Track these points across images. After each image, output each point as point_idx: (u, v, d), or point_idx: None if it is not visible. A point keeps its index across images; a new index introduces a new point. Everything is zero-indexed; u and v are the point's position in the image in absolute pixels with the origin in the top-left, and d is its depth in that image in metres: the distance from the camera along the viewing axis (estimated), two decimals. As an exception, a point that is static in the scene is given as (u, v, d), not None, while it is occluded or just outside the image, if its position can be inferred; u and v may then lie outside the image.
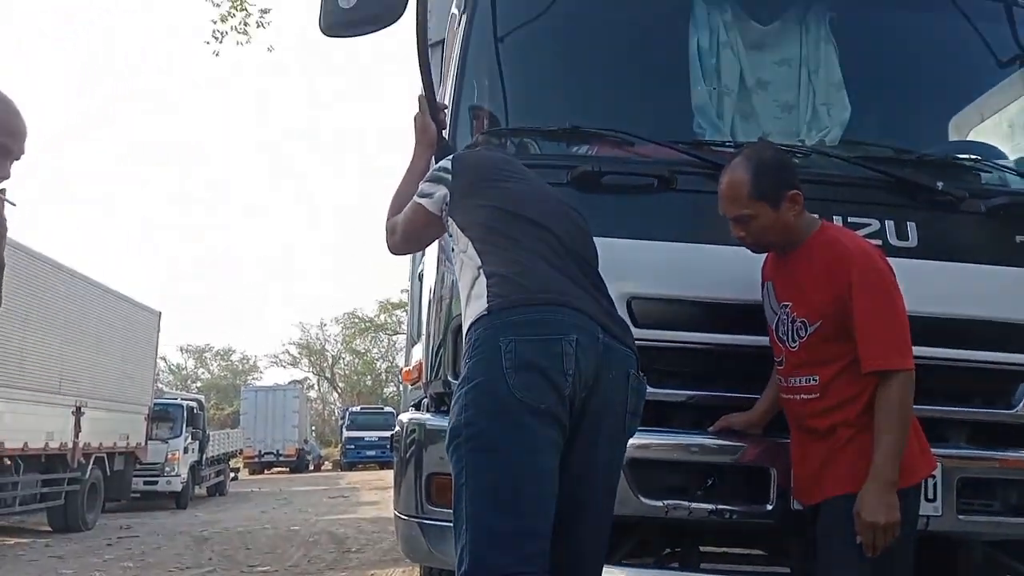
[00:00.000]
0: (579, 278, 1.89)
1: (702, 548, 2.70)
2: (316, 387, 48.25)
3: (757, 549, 2.93)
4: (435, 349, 2.52)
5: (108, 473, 11.43)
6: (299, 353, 47.12)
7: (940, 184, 2.52)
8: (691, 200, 2.51)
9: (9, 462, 8.91)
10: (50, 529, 10.14)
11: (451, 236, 2.03)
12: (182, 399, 16.30)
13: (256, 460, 27.06)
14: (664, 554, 3.02)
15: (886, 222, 2.52)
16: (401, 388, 5.46)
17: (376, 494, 15.63)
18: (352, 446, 28.19)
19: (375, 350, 46.67)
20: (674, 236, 2.48)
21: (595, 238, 2.09)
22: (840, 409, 2.10)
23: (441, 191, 2.04)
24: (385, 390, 45.33)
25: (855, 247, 2.15)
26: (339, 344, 47.12)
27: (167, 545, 8.63)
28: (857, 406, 2.08)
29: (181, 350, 49.60)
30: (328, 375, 48.42)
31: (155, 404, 13.65)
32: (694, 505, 2.35)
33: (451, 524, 2.24)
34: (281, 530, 9.68)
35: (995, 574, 2.57)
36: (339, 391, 48.53)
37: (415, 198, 2.11)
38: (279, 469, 28.00)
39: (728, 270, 2.45)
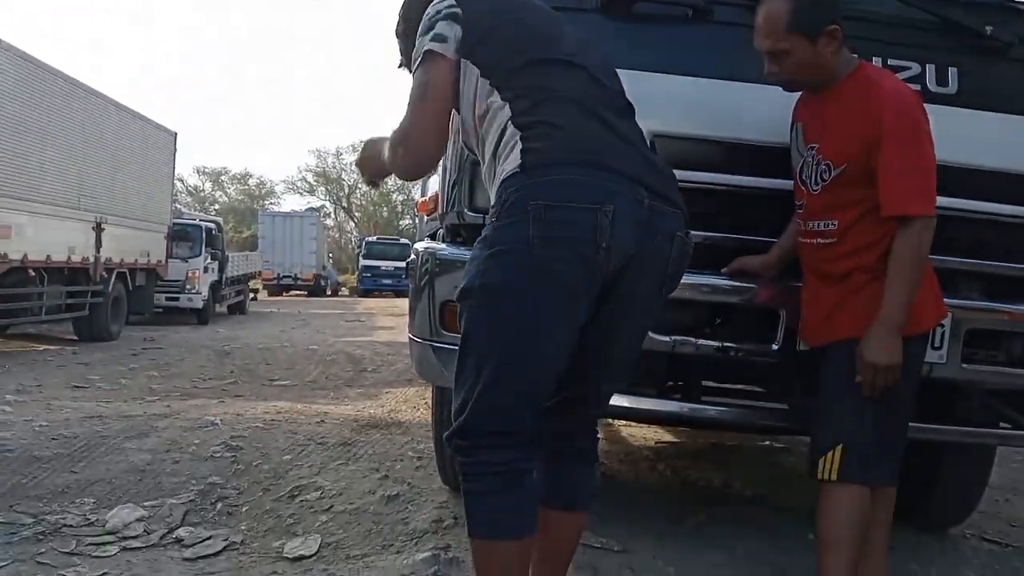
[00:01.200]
0: (617, 125, 1.69)
1: (704, 383, 2.80)
2: (333, 215, 48.63)
3: (757, 387, 3.04)
4: (451, 182, 2.50)
5: (131, 288, 11.86)
6: (316, 181, 47.15)
7: (989, 28, 2.40)
8: (727, 34, 2.39)
9: (33, 273, 9.32)
10: (76, 338, 10.60)
11: (466, 83, 1.73)
12: (200, 220, 16.53)
13: (274, 283, 27.77)
14: (667, 386, 3.14)
15: (927, 66, 2.42)
16: (416, 220, 5.48)
17: (391, 320, 16.11)
18: (368, 274, 28.81)
19: (391, 182, 46.48)
20: (706, 72, 2.38)
21: (619, 71, 1.92)
22: (857, 255, 2.09)
23: (455, 30, 1.69)
24: (401, 222, 45.68)
25: (891, 89, 2.06)
26: (355, 174, 46.96)
27: (190, 357, 9.01)
28: (875, 252, 2.07)
29: (198, 172, 49.76)
30: (344, 204, 48.65)
31: (174, 224, 13.88)
32: (701, 342, 2.41)
33: (461, 347, 2.33)
34: (300, 349, 10.05)
35: (990, 420, 2.65)
36: (355, 221, 48.94)
37: (423, 48, 1.70)
38: (297, 292, 28.76)
39: (757, 110, 2.37)
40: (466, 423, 1.59)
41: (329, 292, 30.52)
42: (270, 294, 27.33)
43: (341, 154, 46.31)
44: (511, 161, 1.60)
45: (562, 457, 1.85)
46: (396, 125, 1.77)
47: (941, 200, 2.36)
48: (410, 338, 2.60)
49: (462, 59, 1.71)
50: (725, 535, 2.96)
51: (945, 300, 2.41)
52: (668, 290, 1.74)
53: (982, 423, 2.67)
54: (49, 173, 9.58)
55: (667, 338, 2.40)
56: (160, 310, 13.76)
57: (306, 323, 15.32)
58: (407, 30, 1.93)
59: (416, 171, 1.89)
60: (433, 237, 2.82)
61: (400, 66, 2.07)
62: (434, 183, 2.91)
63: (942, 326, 2.38)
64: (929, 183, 2.02)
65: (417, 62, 1.72)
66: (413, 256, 2.68)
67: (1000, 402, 2.64)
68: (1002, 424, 2.68)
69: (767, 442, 4.88)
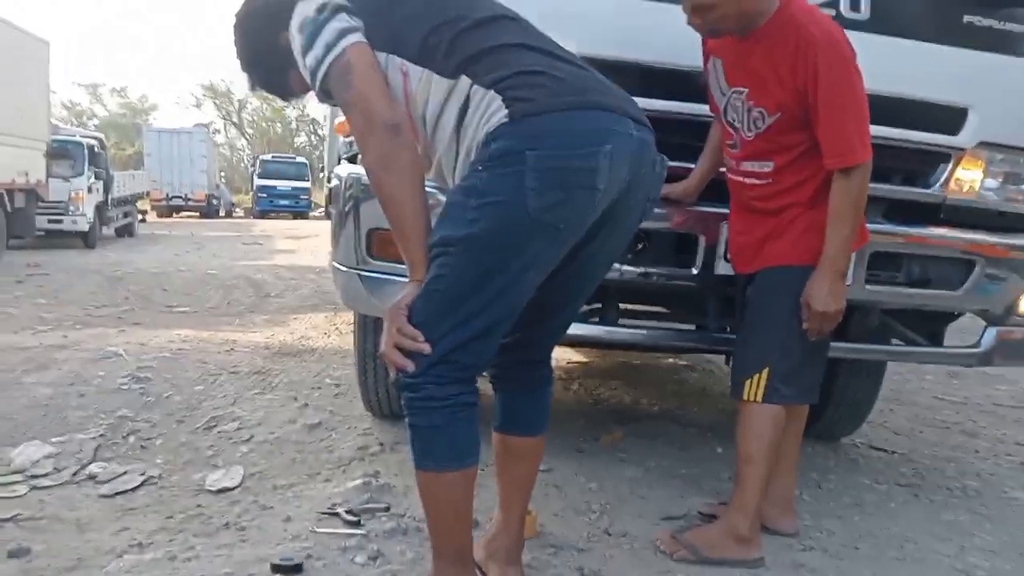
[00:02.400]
0: (580, 62, 1.65)
1: (621, 305, 2.87)
2: (223, 132, 46.46)
3: (669, 309, 3.15)
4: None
5: (9, 210, 11.05)
6: (203, 95, 44.70)
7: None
8: None
9: (-103, 195, 8.48)
10: (-49, 265, 9.90)
11: (388, 70, 1.60)
12: (81, 136, 15.46)
13: (164, 203, 26.45)
14: (584, 311, 3.21)
15: (840, -6, 2.48)
16: (324, 140, 5.29)
17: (291, 243, 15.71)
18: (264, 194, 27.82)
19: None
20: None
21: None
22: (792, 191, 2.14)
23: (354, 22, 1.58)
24: (296, 139, 44.04)
25: (820, 33, 2.02)
26: (247, 88, 44.77)
27: (79, 283, 8.56)
28: (809, 188, 2.12)
29: (74, 84, 46.34)
30: (235, 120, 46.48)
31: (53, 141, 12.94)
32: (625, 268, 2.46)
33: (390, 276, 2.30)
34: (197, 274, 9.69)
35: (884, 337, 2.84)
36: (248, 138, 46.90)
37: (339, 45, 1.55)
38: (188, 213, 27.56)
39: (670, 31, 2.37)
40: (426, 362, 1.56)
41: (223, 213, 29.35)
42: (159, 215, 26.07)
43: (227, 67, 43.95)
44: (494, 118, 1.50)
45: (521, 384, 1.90)
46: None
47: None
48: (334, 266, 2.55)
49: (380, 53, 1.59)
50: (639, 450, 3.10)
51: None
52: (647, 214, 1.73)
53: (877, 340, 2.86)
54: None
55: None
56: (42, 233, 12.92)
57: (201, 246, 14.75)
58: (258, 58, 1.85)
59: (397, 133, 1.56)
60: (353, 160, 2.74)
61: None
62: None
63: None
64: (864, 128, 2.03)
65: (323, 72, 1.57)
66: (336, 181, 2.60)
67: (894, 320, 2.83)
68: (893, 341, 2.89)
69: (671, 360, 5.08)
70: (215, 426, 3.29)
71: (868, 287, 2.56)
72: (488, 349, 1.63)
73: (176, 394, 3.69)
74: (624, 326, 2.79)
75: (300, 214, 27.60)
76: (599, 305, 2.99)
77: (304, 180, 28.26)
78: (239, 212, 31.67)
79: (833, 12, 2.45)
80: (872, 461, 3.29)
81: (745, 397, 2.17)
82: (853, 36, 2.34)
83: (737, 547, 2.19)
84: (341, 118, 3.46)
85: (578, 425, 3.43)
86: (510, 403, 1.91)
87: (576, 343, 3.84)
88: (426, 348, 1.55)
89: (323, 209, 18.06)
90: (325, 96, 1.64)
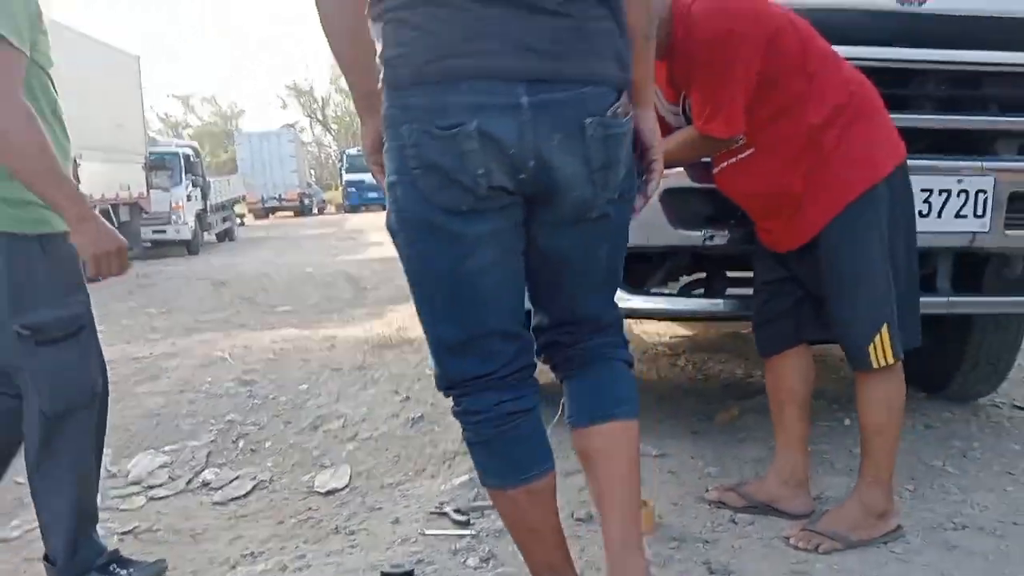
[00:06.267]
0: None
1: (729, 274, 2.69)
2: (309, 130, 47.61)
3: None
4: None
5: (116, 224, 11.51)
6: (288, 95, 45.87)
7: None
8: None
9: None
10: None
11: None
12: (176, 146, 16.05)
13: (260, 206, 27.35)
14: (686, 283, 3.04)
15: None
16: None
17: (382, 234, 15.71)
18: (353, 189, 28.30)
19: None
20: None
21: None
22: (778, 149, 1.96)
23: None
24: (380, 130, 44.59)
25: (699, 10, 1.86)
26: (328, 84, 45.76)
27: (186, 291, 8.86)
28: (800, 134, 1.93)
29: (169, 97, 48.35)
30: (320, 117, 47.54)
31: (150, 153, 13.46)
32: (730, 234, 2.28)
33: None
34: (296, 273, 9.90)
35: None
36: (333, 134, 47.90)
37: None
38: (283, 214, 28.40)
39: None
40: (437, 372, 1.45)
41: (316, 211, 30.13)
42: (256, 218, 26.97)
43: (308, 66, 44.90)
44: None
45: (580, 364, 1.55)
46: None
47: (960, 53, 2.23)
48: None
49: None
50: (759, 427, 2.91)
51: (984, 163, 2.29)
52: (607, 184, 1.35)
53: (1018, 292, 2.57)
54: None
55: (698, 232, 2.29)
56: (149, 245, 13.53)
57: (298, 245, 15.13)
58: None
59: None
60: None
61: None
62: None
63: (983, 192, 2.27)
64: (724, 103, 1.88)
65: None
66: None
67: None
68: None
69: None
70: (320, 425, 3.29)
71: (1008, 232, 2.30)
72: (480, 348, 1.40)
73: (281, 395, 3.71)
74: (732, 296, 2.61)
75: (390, 204, 27.94)
76: (703, 275, 2.83)
77: (392, 169, 28.57)
78: (331, 209, 32.40)
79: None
80: (1019, 423, 3.00)
81: (875, 365, 1.96)
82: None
83: (881, 523, 2.03)
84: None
85: (689, 404, 3.26)
86: (574, 389, 1.57)
87: (684, 318, 3.67)
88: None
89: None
90: None
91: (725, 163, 2.04)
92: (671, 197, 2.23)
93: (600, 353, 1.54)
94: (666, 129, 2.09)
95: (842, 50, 2.17)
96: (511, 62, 1.24)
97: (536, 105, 1.24)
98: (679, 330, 4.74)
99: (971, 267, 2.59)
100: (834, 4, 2.27)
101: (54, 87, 1.91)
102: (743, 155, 2.00)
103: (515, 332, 1.44)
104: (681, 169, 2.19)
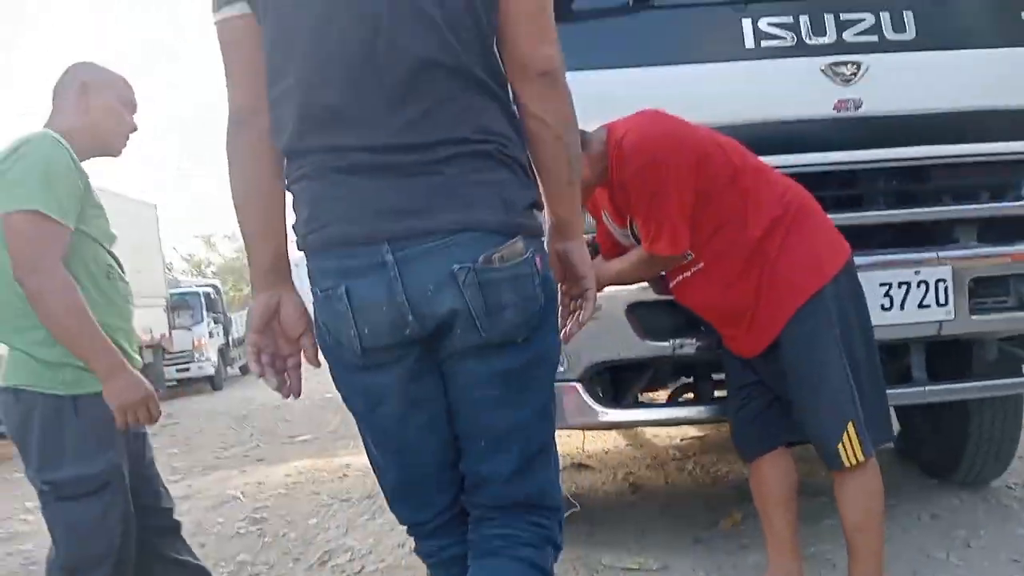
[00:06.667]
0: (355, 145, 1.26)
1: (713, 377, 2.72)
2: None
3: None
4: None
5: (140, 367, 11.75)
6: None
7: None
8: (672, 15, 2.39)
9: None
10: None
11: None
12: (197, 286, 16.50)
13: (282, 335, 27.69)
14: (676, 388, 3.07)
15: (880, 15, 2.37)
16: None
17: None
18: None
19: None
20: (650, 60, 2.34)
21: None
22: (724, 258, 2.05)
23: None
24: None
25: (629, 145, 1.99)
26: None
27: (208, 427, 8.94)
28: (741, 244, 2.02)
29: (192, 237, 49.91)
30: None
31: (171, 294, 13.84)
32: (698, 342, 2.34)
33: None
34: (315, 399, 9.93)
35: (1010, 368, 2.56)
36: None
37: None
38: (306, 340, 28.68)
39: (718, 90, 2.34)
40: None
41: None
42: (280, 346, 27.25)
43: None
44: None
45: (474, 558, 1.39)
46: None
47: (916, 150, 2.33)
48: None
49: None
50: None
51: (939, 254, 2.35)
52: (494, 328, 1.28)
53: (1003, 373, 2.58)
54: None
55: (667, 342, 2.35)
56: (173, 383, 13.72)
57: (317, 372, 15.20)
58: None
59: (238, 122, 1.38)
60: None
61: None
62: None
63: (943, 280, 2.32)
64: (666, 223, 2.00)
65: None
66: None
67: (1016, 347, 2.57)
68: (1025, 368, 2.60)
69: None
70: (328, 560, 3.28)
71: (975, 317, 2.34)
72: (413, 499, 1.41)
73: (291, 531, 3.71)
74: (718, 399, 2.64)
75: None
76: (690, 380, 2.87)
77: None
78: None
79: (875, 38, 2.36)
80: (1029, 505, 2.94)
81: (847, 463, 1.97)
82: (899, 58, 2.26)
83: None
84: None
85: (696, 510, 3.22)
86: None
87: (678, 424, 3.68)
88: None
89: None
90: None
91: (680, 277, 2.12)
92: (637, 311, 2.31)
93: (491, 547, 1.37)
94: (621, 250, 2.19)
95: (788, 158, 2.30)
96: (371, 225, 1.25)
97: (401, 260, 1.24)
98: (691, 431, 4.72)
99: (956, 354, 2.61)
100: (776, 117, 2.39)
101: (112, 255, 2.11)
102: (695, 269, 2.08)
103: (447, 480, 1.39)
104: (644, 284, 2.27)
